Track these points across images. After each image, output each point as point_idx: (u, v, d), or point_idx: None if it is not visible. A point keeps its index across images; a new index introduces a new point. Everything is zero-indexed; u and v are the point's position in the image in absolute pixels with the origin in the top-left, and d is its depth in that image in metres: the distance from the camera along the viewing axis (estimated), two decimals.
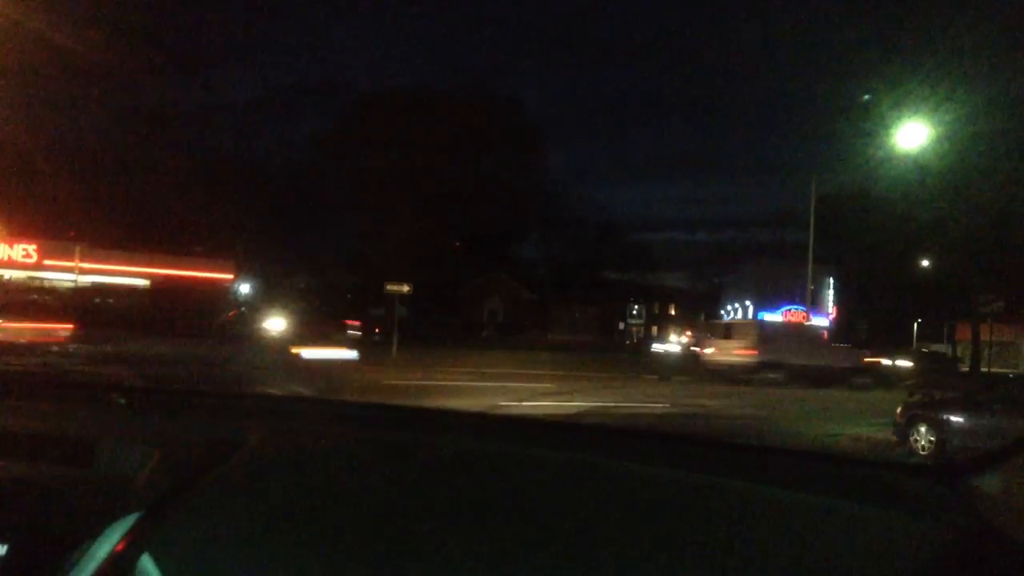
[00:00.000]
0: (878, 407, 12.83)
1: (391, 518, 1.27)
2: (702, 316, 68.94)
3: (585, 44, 75.26)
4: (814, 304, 33.77)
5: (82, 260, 24.59)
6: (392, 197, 36.81)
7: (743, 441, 1.65)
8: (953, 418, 9.38)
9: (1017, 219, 26.02)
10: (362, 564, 1.19)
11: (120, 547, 1.26)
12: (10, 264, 25.98)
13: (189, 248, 29.43)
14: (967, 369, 34.58)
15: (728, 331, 23.68)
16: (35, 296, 14.60)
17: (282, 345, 10.59)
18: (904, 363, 26.40)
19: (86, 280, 23.70)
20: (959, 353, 41.15)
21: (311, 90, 65.76)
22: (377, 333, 27.40)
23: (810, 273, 28.54)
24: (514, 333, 45.93)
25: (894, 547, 1.13)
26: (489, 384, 15.49)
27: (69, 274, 24.65)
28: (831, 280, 44.76)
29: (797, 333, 24.56)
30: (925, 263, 36.12)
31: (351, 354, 11.67)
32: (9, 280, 19.65)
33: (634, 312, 58.64)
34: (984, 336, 36.27)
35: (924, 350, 36.46)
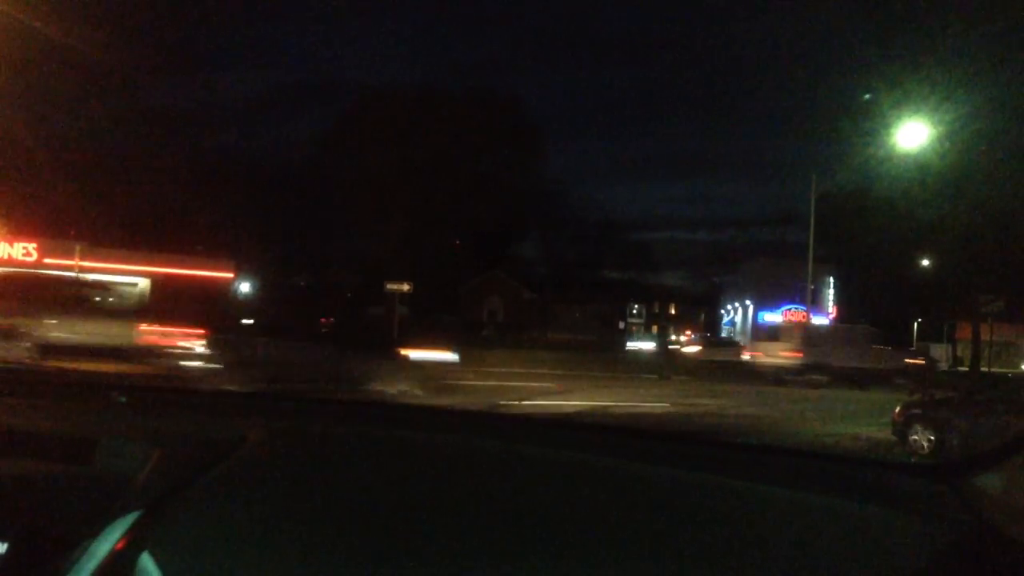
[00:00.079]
0: (881, 407, 12.82)
1: (391, 517, 1.27)
2: (702, 316, 69.10)
3: (585, 44, 75.36)
4: (814, 304, 33.77)
5: (82, 259, 24.60)
6: (392, 196, 36.77)
7: (743, 440, 1.65)
8: (952, 418, 9.38)
9: (1017, 219, 25.99)
10: (362, 563, 1.19)
11: (120, 545, 1.26)
12: (10, 263, 25.99)
13: (189, 247, 29.46)
14: (967, 369, 34.60)
15: (775, 333, 24.08)
16: (109, 296, 14.92)
17: (389, 348, 11.06)
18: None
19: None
20: (959, 353, 41.17)
21: (311, 89, 65.91)
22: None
23: (810, 273, 28.57)
24: (514, 332, 45.89)
25: (894, 547, 1.13)
26: (489, 383, 15.49)
27: (69, 272, 24.67)
28: (831, 280, 44.82)
29: (842, 335, 24.81)
30: (925, 263, 36.10)
31: (453, 357, 12.25)
32: (81, 278, 19.81)
33: (634, 312, 58.77)
34: (984, 336, 36.27)
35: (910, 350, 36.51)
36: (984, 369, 33.92)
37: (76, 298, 13.74)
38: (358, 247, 42.11)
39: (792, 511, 1.22)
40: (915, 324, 46.34)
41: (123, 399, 1.81)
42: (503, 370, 18.21)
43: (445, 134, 37.98)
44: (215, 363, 10.05)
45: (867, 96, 22.47)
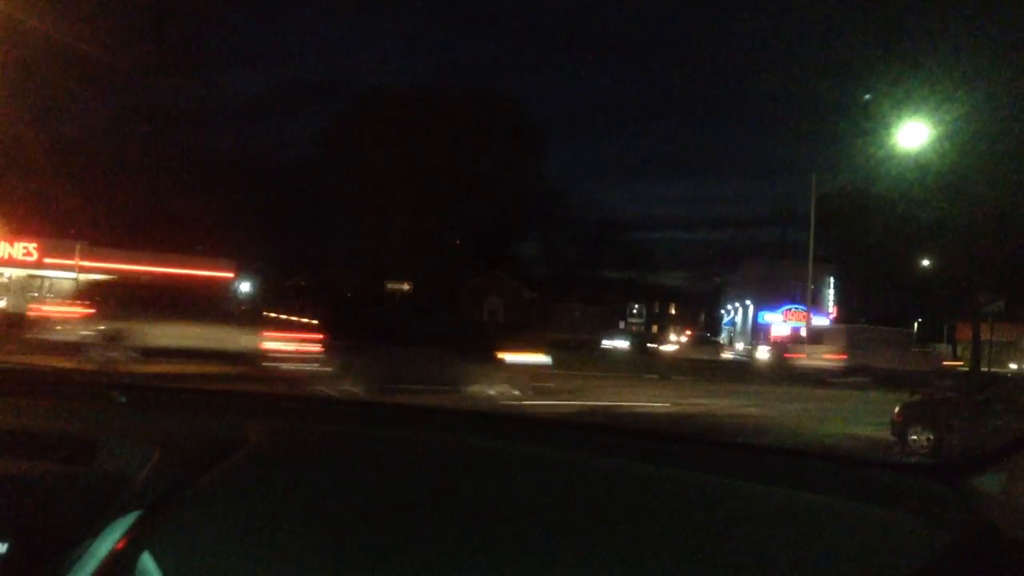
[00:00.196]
0: (882, 407, 12.82)
1: (390, 517, 1.27)
2: (702, 316, 69.14)
3: (585, 44, 75.35)
4: (814, 304, 33.81)
5: (82, 258, 24.63)
6: (392, 196, 36.78)
7: (743, 440, 1.65)
8: (951, 418, 9.38)
9: (1017, 219, 25.97)
10: (362, 562, 1.19)
11: (121, 545, 1.26)
12: (10, 262, 26.01)
13: (189, 247, 29.48)
14: (967, 368, 34.58)
15: (819, 336, 24.25)
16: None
17: (489, 351, 11.48)
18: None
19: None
20: (959, 353, 41.12)
21: (311, 89, 65.91)
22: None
23: (810, 273, 28.65)
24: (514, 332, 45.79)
25: (894, 547, 1.13)
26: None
27: (69, 272, 24.70)
28: (831, 280, 44.88)
29: (884, 337, 24.93)
30: (925, 263, 36.10)
31: (546, 359, 12.84)
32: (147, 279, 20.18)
33: (634, 311, 58.74)
34: (984, 336, 36.25)
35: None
36: (984, 369, 33.91)
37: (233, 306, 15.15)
38: (358, 247, 42.12)
39: (792, 511, 1.22)
40: (915, 324, 46.35)
41: (123, 399, 1.81)
42: (583, 373, 18.41)
43: (445, 134, 37.99)
44: (329, 367, 10.45)
45: (867, 96, 22.45)
